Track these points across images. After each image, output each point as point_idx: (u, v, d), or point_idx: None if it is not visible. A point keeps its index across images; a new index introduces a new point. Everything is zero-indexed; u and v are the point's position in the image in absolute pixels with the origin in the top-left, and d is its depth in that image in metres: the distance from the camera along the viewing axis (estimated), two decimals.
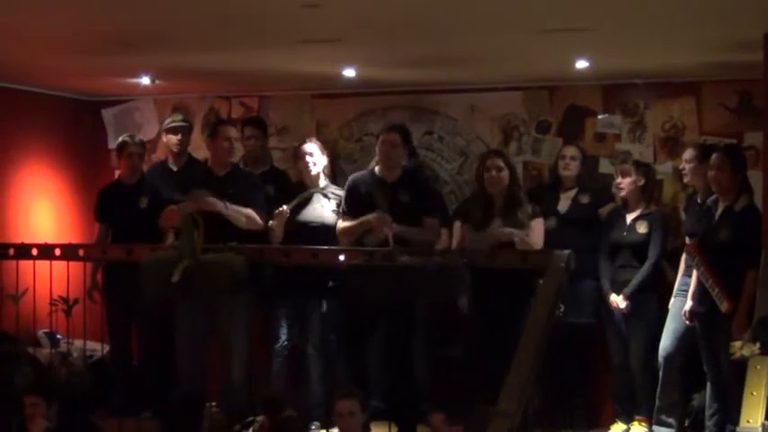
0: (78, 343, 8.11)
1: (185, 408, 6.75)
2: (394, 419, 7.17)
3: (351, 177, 7.63)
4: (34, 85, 8.79)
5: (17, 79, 8.50)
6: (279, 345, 7.78)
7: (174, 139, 8.40)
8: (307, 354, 7.70)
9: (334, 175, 8.17)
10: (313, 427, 7.47)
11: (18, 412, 6.89)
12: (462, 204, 7.94)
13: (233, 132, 7.65)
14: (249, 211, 7.42)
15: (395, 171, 7.43)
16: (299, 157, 7.82)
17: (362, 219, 7.27)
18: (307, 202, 7.70)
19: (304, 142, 7.86)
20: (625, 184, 7.68)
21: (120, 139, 8.24)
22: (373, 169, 7.54)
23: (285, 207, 7.54)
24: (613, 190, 7.84)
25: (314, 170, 7.74)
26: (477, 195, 7.50)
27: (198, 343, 7.43)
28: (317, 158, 7.75)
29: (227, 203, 7.32)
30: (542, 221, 7.34)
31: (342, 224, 7.45)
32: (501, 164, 7.26)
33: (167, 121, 8.55)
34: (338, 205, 7.62)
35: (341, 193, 7.63)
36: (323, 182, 7.80)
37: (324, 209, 7.70)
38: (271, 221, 7.53)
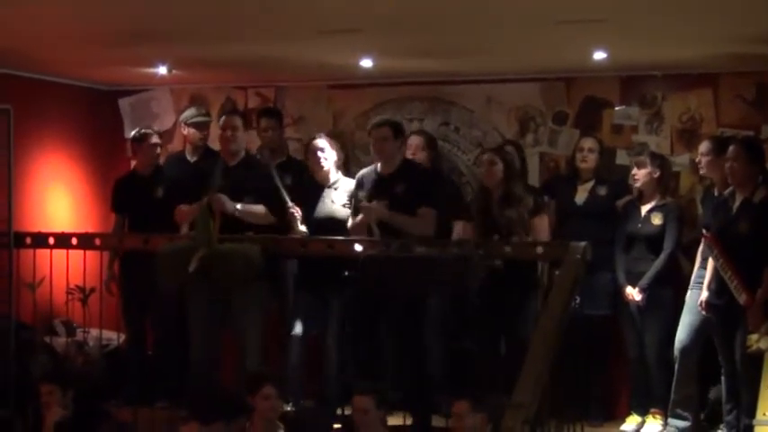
0: (94, 332, 8.14)
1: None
2: (409, 410, 7.18)
3: (358, 174, 7.66)
4: (51, 75, 8.81)
5: (34, 68, 8.51)
6: (297, 335, 7.75)
7: (198, 134, 8.37)
8: (326, 345, 7.69)
9: (348, 165, 8.17)
10: (288, 407, 7.27)
11: (34, 400, 6.93)
12: (469, 202, 7.96)
13: (236, 122, 7.63)
14: (260, 209, 7.43)
15: (391, 164, 7.43)
16: (310, 152, 7.82)
17: (360, 216, 7.34)
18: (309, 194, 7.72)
19: (314, 138, 7.85)
20: (640, 175, 7.65)
21: (140, 130, 8.24)
22: (377, 165, 7.56)
23: (291, 204, 7.53)
24: (630, 182, 7.82)
25: (325, 165, 7.73)
26: (477, 191, 7.63)
27: (212, 332, 7.44)
28: (327, 154, 7.74)
29: (237, 206, 7.34)
30: (546, 217, 7.34)
31: (349, 224, 7.51)
32: (494, 158, 7.32)
33: (189, 114, 8.50)
34: (349, 198, 7.63)
35: (352, 185, 7.65)
36: (334, 176, 7.79)
37: (334, 204, 7.70)
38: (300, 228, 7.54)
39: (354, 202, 7.52)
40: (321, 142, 7.76)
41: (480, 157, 7.55)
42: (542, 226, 7.28)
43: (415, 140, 7.95)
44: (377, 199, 7.31)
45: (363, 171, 7.65)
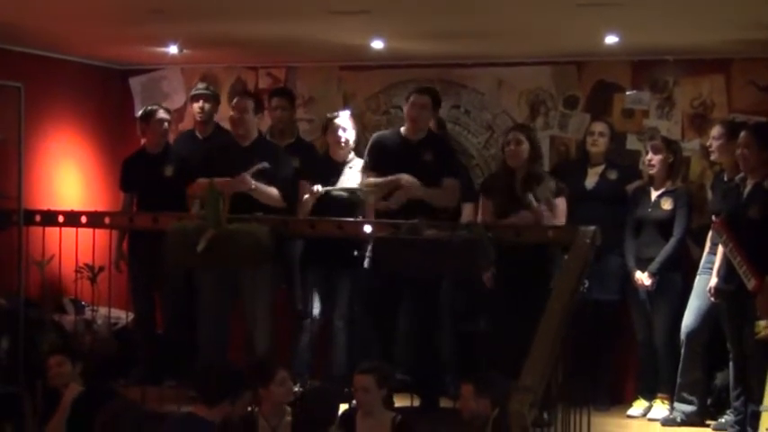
0: (103, 310, 8.15)
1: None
2: (417, 392, 7.18)
3: (375, 135, 7.66)
4: (62, 53, 8.80)
5: (46, 46, 8.51)
6: (306, 316, 7.75)
7: (195, 106, 8.41)
8: (334, 326, 7.69)
9: (359, 147, 8.16)
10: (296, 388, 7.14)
11: (43, 377, 6.94)
12: (487, 179, 7.93)
13: (245, 104, 7.60)
14: (274, 191, 7.43)
15: (420, 132, 7.44)
16: (330, 129, 7.78)
17: (392, 177, 7.28)
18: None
19: (336, 115, 7.81)
20: (656, 161, 7.63)
21: (147, 108, 8.25)
22: (399, 129, 7.54)
23: (319, 187, 7.52)
24: (641, 167, 7.80)
25: (344, 144, 7.72)
26: (499, 170, 7.53)
27: (221, 313, 7.45)
28: (348, 134, 7.73)
29: (256, 183, 7.34)
30: (565, 200, 7.32)
31: (368, 179, 7.46)
32: (521, 137, 7.28)
33: (192, 89, 8.57)
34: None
35: None
36: (350, 155, 7.77)
37: (349, 181, 7.68)
38: (306, 196, 7.52)
39: (371, 162, 7.46)
40: (343, 121, 7.73)
41: (505, 136, 7.49)
42: (562, 208, 7.28)
43: None
44: (405, 168, 7.28)
45: (380, 133, 7.65)
